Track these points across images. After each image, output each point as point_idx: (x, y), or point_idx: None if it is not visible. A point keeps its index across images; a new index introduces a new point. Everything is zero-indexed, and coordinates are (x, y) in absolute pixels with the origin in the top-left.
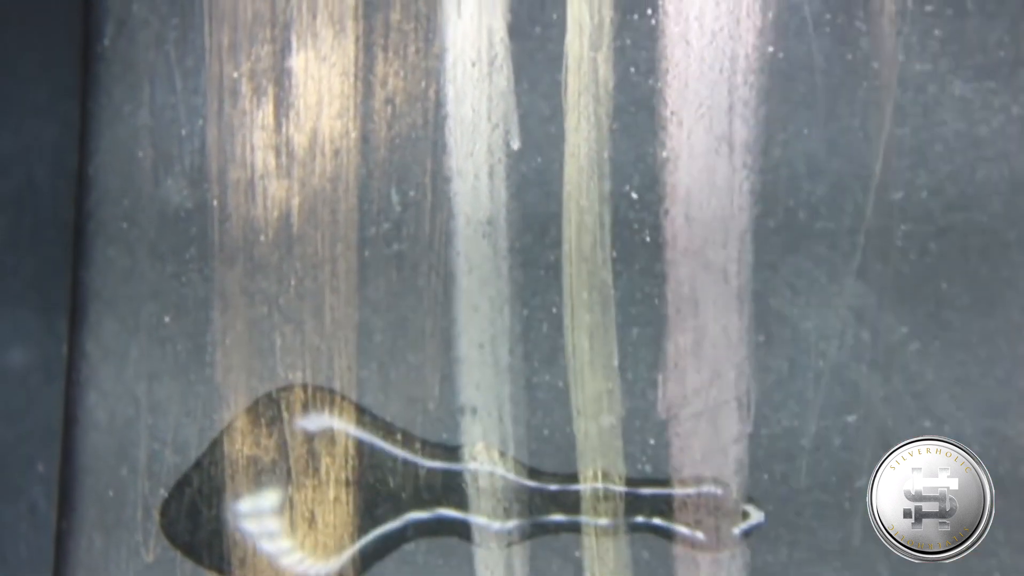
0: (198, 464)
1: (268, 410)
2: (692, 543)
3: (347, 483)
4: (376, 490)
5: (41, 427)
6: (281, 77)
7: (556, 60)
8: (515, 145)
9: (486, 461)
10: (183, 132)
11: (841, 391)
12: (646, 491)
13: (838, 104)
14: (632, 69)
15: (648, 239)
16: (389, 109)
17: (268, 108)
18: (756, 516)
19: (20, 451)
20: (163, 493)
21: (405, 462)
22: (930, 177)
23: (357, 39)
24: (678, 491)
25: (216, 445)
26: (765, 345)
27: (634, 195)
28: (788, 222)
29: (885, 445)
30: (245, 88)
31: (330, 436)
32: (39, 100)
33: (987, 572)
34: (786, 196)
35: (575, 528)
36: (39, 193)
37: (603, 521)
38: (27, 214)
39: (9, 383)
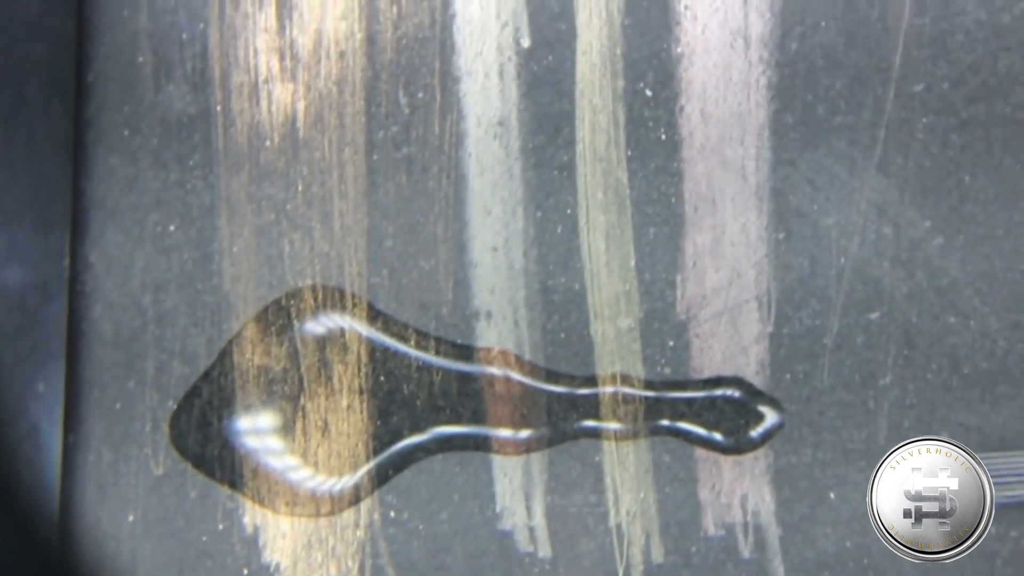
0: (207, 375)
1: (278, 318)
2: (714, 446)
3: (360, 391)
4: (390, 398)
5: (41, 347)
6: None
7: None
8: (525, 43)
9: (502, 366)
10: (184, 36)
11: (863, 288)
12: (666, 394)
13: None
14: None
15: (664, 137)
16: (395, 9)
17: (271, 10)
18: (778, 417)
19: (19, 372)
20: (172, 405)
21: (419, 369)
22: (951, 68)
23: None
24: (698, 393)
25: (225, 355)
26: (785, 243)
27: (648, 92)
28: (807, 117)
29: (909, 343)
30: None
31: (342, 343)
32: (30, 14)
33: None
34: (804, 91)
35: (595, 433)
36: (32, 109)
37: (623, 425)
38: (20, 131)
39: (6, 304)
